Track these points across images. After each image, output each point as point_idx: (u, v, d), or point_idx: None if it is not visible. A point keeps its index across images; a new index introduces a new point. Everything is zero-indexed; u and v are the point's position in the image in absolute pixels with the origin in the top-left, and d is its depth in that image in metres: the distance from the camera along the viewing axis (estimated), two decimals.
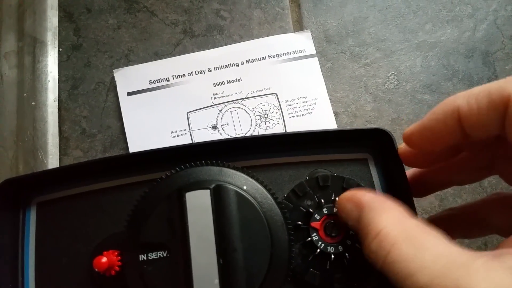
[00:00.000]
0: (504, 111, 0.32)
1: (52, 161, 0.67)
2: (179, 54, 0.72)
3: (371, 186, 0.48)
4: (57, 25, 0.73)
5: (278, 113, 0.69)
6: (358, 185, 0.46)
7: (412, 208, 0.43)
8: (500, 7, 0.75)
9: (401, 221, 0.34)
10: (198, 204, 0.40)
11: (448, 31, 0.74)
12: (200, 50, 0.73)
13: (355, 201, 0.38)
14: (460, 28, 0.74)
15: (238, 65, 0.72)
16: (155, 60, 0.72)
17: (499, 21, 0.75)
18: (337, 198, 0.43)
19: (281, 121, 0.69)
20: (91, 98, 0.70)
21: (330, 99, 0.71)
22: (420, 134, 0.39)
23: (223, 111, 0.69)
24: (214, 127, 0.68)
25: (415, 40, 0.74)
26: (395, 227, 0.33)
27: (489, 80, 0.72)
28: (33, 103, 0.68)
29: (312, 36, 0.74)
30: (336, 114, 0.70)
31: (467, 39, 0.74)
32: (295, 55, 0.72)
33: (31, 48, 0.71)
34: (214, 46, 0.73)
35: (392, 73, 0.72)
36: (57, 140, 0.68)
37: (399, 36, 0.74)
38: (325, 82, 0.71)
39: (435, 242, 0.31)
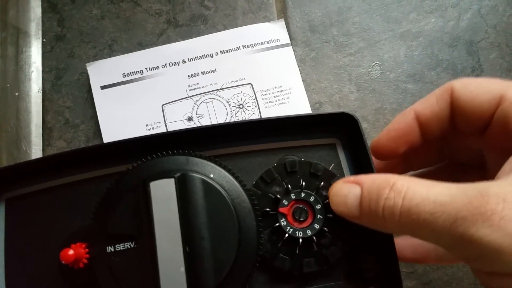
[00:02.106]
0: (451, 98, 0.40)
1: (36, 152, 0.67)
2: (163, 44, 0.72)
3: (340, 170, 0.49)
4: (40, 15, 0.73)
5: (254, 103, 0.69)
6: (325, 170, 0.46)
7: None
8: None
9: (405, 176, 0.35)
10: (163, 193, 0.40)
11: (432, 21, 0.74)
12: (184, 40, 0.73)
13: (353, 180, 0.39)
14: (444, 17, 0.74)
15: (212, 56, 0.72)
16: (139, 50, 0.72)
17: (483, 11, 0.75)
18: (327, 193, 0.43)
19: (256, 111, 0.69)
20: (74, 89, 0.70)
21: (314, 89, 0.71)
22: (388, 137, 0.44)
23: (198, 103, 0.69)
24: (190, 119, 0.68)
25: (399, 29, 0.74)
26: (403, 179, 0.34)
27: (473, 69, 0.72)
28: (16, 94, 0.69)
29: (296, 26, 0.74)
30: (320, 103, 0.70)
31: (451, 28, 0.74)
32: (270, 45, 0.72)
33: (14, 38, 0.72)
34: (198, 36, 0.73)
35: (376, 63, 0.72)
36: (40, 130, 0.68)
37: (383, 26, 0.74)
38: (309, 71, 0.71)
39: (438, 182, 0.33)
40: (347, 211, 0.39)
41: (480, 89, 0.39)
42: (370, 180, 0.37)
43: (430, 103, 0.42)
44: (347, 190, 0.39)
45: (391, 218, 0.33)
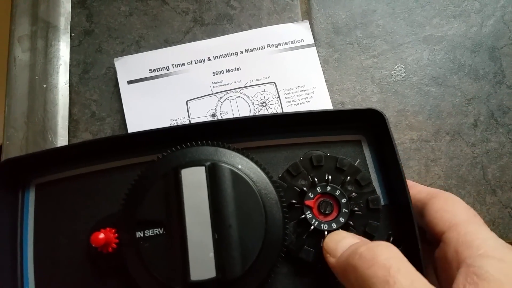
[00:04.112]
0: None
1: (62, 143, 0.68)
2: (189, 42, 0.73)
3: (365, 167, 0.49)
4: (70, 10, 0.75)
5: (277, 102, 0.70)
6: (351, 165, 0.47)
7: (404, 187, 0.44)
8: (508, 3, 0.75)
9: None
10: (194, 181, 0.41)
11: (455, 26, 0.75)
12: (210, 38, 0.74)
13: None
14: (467, 23, 0.75)
15: (237, 54, 0.72)
16: (165, 47, 0.73)
17: (507, 17, 0.75)
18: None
19: (279, 110, 0.69)
20: (101, 83, 0.71)
21: (336, 89, 0.71)
22: None
23: (222, 100, 0.70)
24: (213, 115, 0.69)
25: (423, 33, 0.74)
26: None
27: (495, 75, 0.72)
28: (44, 86, 0.70)
29: (321, 27, 0.74)
30: (342, 104, 0.71)
31: (474, 34, 0.74)
32: (294, 45, 0.73)
33: (44, 32, 0.73)
34: (223, 35, 0.74)
35: (399, 65, 0.73)
36: (67, 122, 0.69)
37: (406, 29, 0.75)
38: (332, 72, 0.72)
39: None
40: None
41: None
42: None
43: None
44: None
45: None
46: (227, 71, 0.71)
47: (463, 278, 0.34)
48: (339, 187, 0.45)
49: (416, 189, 0.45)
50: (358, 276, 0.34)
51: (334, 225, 0.44)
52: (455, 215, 0.40)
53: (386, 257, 0.34)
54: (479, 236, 0.37)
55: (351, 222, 0.44)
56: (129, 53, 0.72)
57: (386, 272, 0.32)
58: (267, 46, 0.73)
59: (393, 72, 0.72)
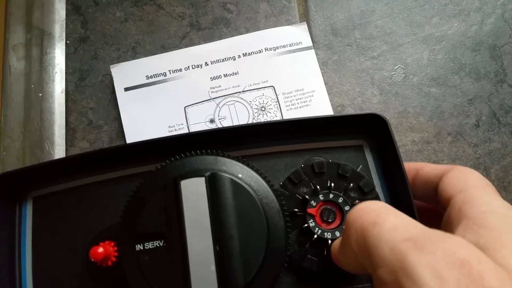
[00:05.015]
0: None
1: (59, 152, 0.67)
2: (186, 47, 0.72)
3: (367, 172, 0.49)
4: (64, 17, 0.74)
5: (276, 106, 0.69)
6: (353, 171, 0.46)
7: (408, 193, 0.43)
8: (508, 0, 0.75)
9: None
10: (193, 192, 0.40)
11: (455, 25, 0.74)
12: (207, 43, 0.73)
13: None
14: (467, 21, 0.74)
15: (234, 58, 0.72)
16: (162, 52, 0.72)
17: (507, 15, 0.74)
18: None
19: (278, 114, 0.69)
20: (98, 90, 0.70)
21: (336, 91, 0.71)
22: None
23: (220, 105, 0.69)
24: (212, 121, 0.68)
25: (422, 33, 0.74)
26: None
27: (496, 73, 0.71)
28: (40, 95, 0.69)
29: (319, 29, 0.74)
30: (342, 106, 0.70)
31: (474, 32, 0.74)
32: (292, 48, 0.72)
33: (39, 40, 0.72)
34: (220, 39, 0.73)
35: (399, 66, 0.72)
36: (64, 131, 0.68)
37: (406, 30, 0.74)
38: (331, 74, 0.71)
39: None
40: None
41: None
42: None
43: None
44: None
45: None
46: (225, 75, 0.71)
47: (463, 229, 0.34)
48: (341, 194, 0.45)
49: (430, 167, 0.44)
50: (351, 229, 0.33)
51: (337, 234, 0.43)
52: (466, 182, 0.39)
53: (377, 205, 0.34)
54: (485, 198, 0.37)
55: None
56: (126, 59, 0.72)
57: (376, 215, 0.32)
58: (265, 50, 0.72)
59: (393, 73, 0.72)
